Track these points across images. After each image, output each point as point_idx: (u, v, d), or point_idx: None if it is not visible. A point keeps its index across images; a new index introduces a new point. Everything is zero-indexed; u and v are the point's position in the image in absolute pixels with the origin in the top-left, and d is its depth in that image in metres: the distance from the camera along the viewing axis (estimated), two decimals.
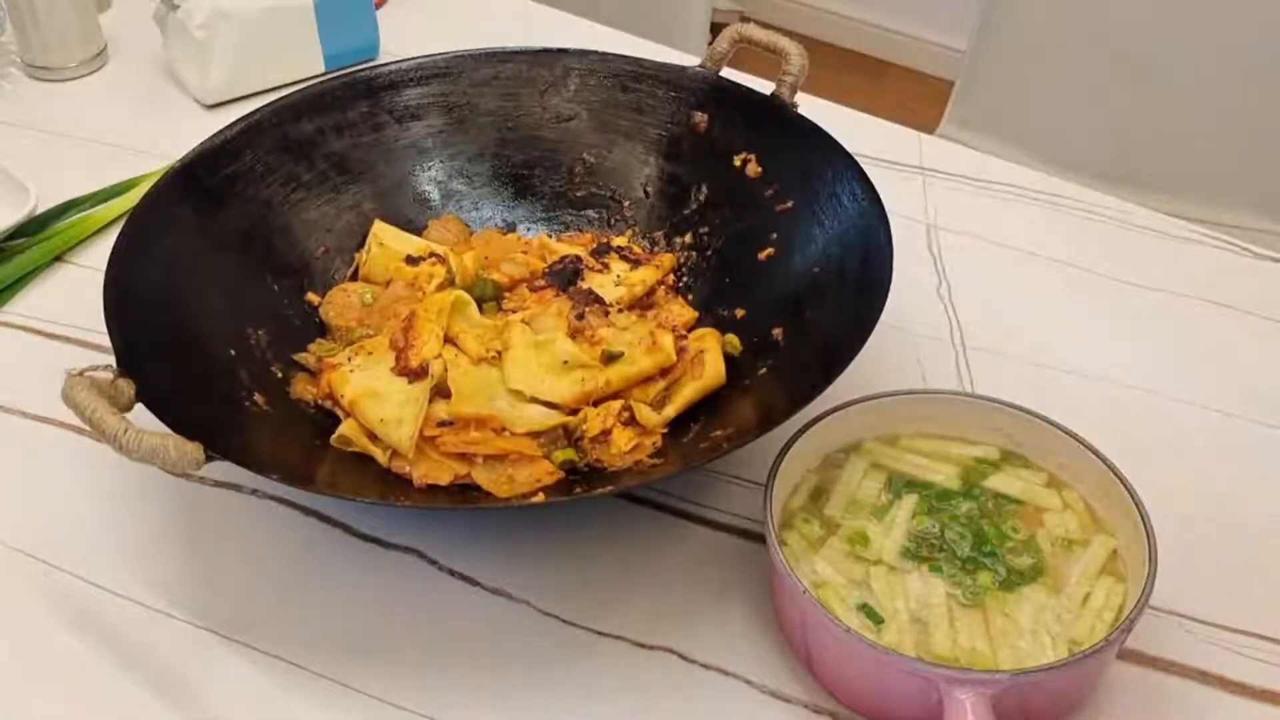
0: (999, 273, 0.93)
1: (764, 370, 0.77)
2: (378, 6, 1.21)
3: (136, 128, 1.09)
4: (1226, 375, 0.84)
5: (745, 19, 0.82)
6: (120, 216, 0.95)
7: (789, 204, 0.83)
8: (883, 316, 0.69)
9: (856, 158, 0.80)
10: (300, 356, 0.80)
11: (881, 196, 0.77)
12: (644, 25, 1.27)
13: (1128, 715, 0.64)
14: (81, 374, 0.62)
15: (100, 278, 0.72)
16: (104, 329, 0.69)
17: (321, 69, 1.15)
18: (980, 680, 0.57)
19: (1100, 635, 0.61)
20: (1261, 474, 0.77)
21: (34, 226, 0.95)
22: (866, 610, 0.64)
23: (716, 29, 0.97)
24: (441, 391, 0.74)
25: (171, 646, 0.67)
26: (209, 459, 0.60)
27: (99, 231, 0.96)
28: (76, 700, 0.65)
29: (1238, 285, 0.92)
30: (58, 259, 0.94)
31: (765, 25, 0.88)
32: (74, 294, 0.91)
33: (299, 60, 1.14)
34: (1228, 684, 0.66)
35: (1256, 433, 0.80)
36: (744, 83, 0.89)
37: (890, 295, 0.71)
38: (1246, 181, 1.59)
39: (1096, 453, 0.67)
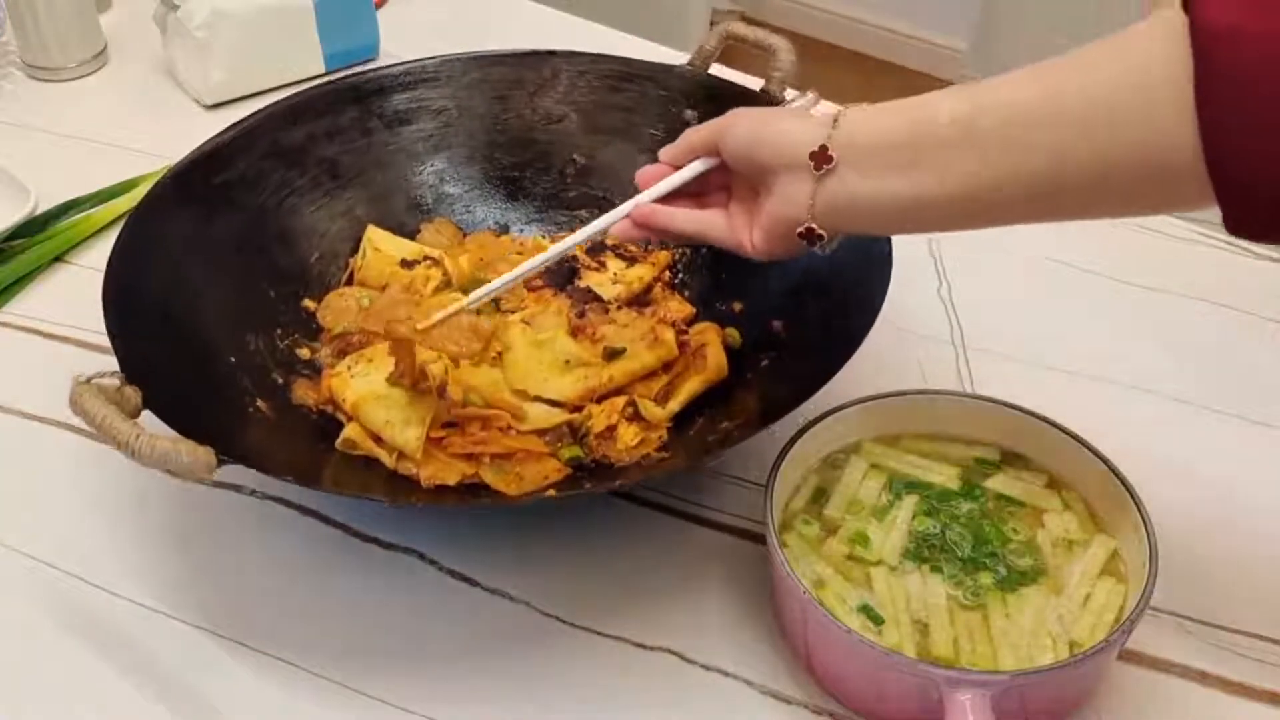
0: (999, 273, 0.93)
1: (766, 362, 0.77)
2: (378, 6, 1.21)
3: (136, 128, 1.09)
4: (1226, 375, 0.84)
5: (745, 19, 0.81)
6: (120, 216, 0.95)
7: None
8: (883, 317, 0.69)
9: None
10: (301, 351, 0.80)
11: None
12: (644, 26, 1.27)
13: (1128, 715, 0.64)
14: (88, 381, 0.62)
15: (100, 278, 0.72)
16: (104, 329, 0.69)
17: (321, 69, 1.15)
18: (981, 681, 0.57)
19: (1101, 636, 0.61)
20: (1261, 474, 0.77)
21: (34, 226, 0.95)
22: (867, 611, 0.64)
23: None
24: (443, 393, 0.74)
25: (171, 647, 0.67)
26: (221, 463, 0.60)
27: (99, 231, 0.96)
28: (75, 700, 0.64)
29: (1238, 285, 0.92)
30: (58, 259, 0.94)
31: (764, 25, 0.88)
32: (74, 294, 0.91)
33: (299, 60, 1.14)
34: (1228, 684, 0.66)
35: (1256, 433, 0.80)
36: (736, 81, 0.89)
37: (890, 295, 0.71)
38: None
39: (1096, 453, 0.67)
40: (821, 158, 0.60)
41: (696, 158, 0.68)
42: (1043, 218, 0.59)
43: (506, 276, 0.72)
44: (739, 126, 0.65)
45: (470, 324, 0.74)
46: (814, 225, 0.62)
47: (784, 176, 0.62)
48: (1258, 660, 0.67)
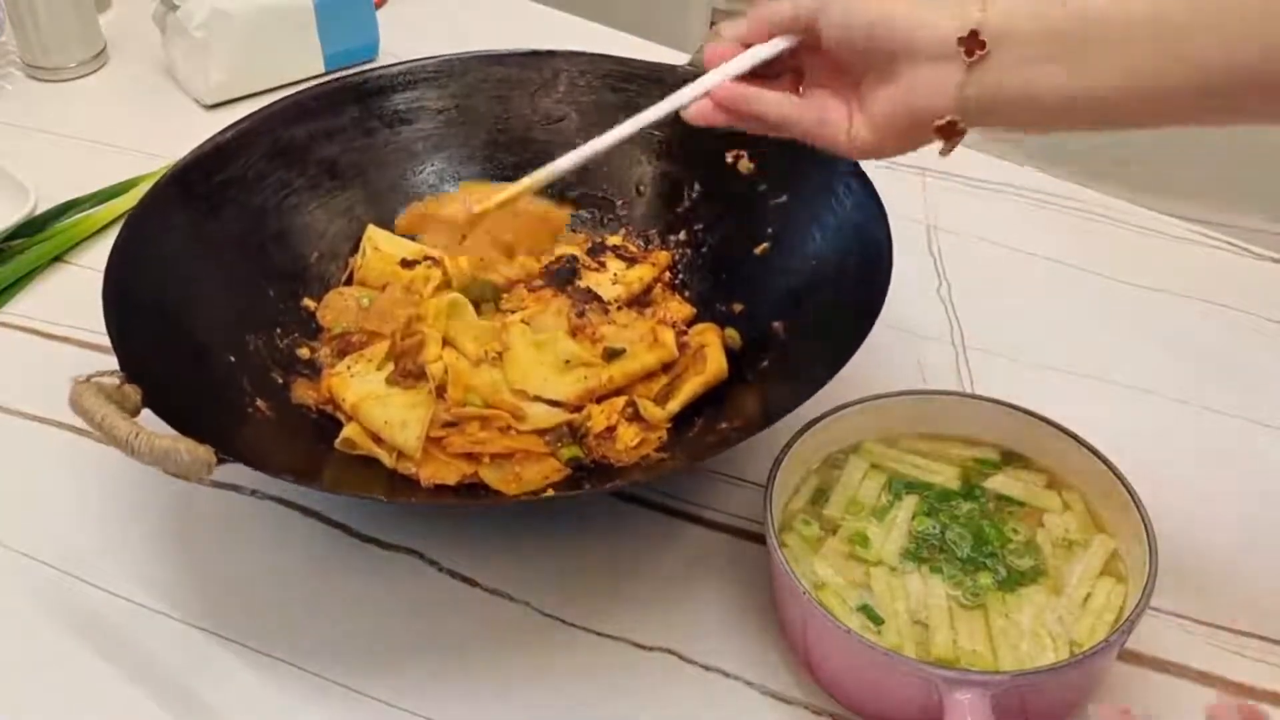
0: (999, 273, 0.93)
1: (766, 364, 0.77)
2: (378, 6, 1.21)
3: (136, 128, 1.09)
4: (1226, 375, 0.84)
5: None
6: (120, 216, 0.95)
7: (782, 199, 0.83)
8: (883, 317, 0.69)
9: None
10: (301, 351, 0.80)
11: (882, 197, 0.77)
12: (644, 26, 1.27)
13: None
14: (88, 380, 0.62)
15: (100, 278, 0.72)
16: (104, 329, 0.69)
17: (321, 69, 1.15)
18: (980, 681, 0.57)
19: (1101, 636, 0.61)
20: (1261, 474, 0.77)
21: (34, 226, 0.95)
22: (867, 611, 0.64)
23: None
24: (443, 394, 0.74)
25: (170, 647, 0.67)
26: (220, 462, 0.60)
27: (99, 231, 0.96)
28: (75, 701, 0.64)
29: (1238, 285, 0.92)
30: (58, 259, 0.94)
31: None
32: (74, 294, 0.91)
33: (299, 60, 1.14)
34: (1228, 684, 0.66)
35: (1256, 432, 0.80)
36: None
37: (890, 295, 0.71)
38: (1246, 181, 1.59)
39: (1096, 453, 0.67)
40: (974, 43, 0.54)
41: (774, 36, 0.61)
42: (1222, 121, 0.51)
43: (583, 149, 0.67)
44: (852, 2, 0.58)
45: (543, 212, 0.65)
46: (956, 118, 0.56)
47: (921, 63, 0.56)
48: (1258, 660, 0.67)
